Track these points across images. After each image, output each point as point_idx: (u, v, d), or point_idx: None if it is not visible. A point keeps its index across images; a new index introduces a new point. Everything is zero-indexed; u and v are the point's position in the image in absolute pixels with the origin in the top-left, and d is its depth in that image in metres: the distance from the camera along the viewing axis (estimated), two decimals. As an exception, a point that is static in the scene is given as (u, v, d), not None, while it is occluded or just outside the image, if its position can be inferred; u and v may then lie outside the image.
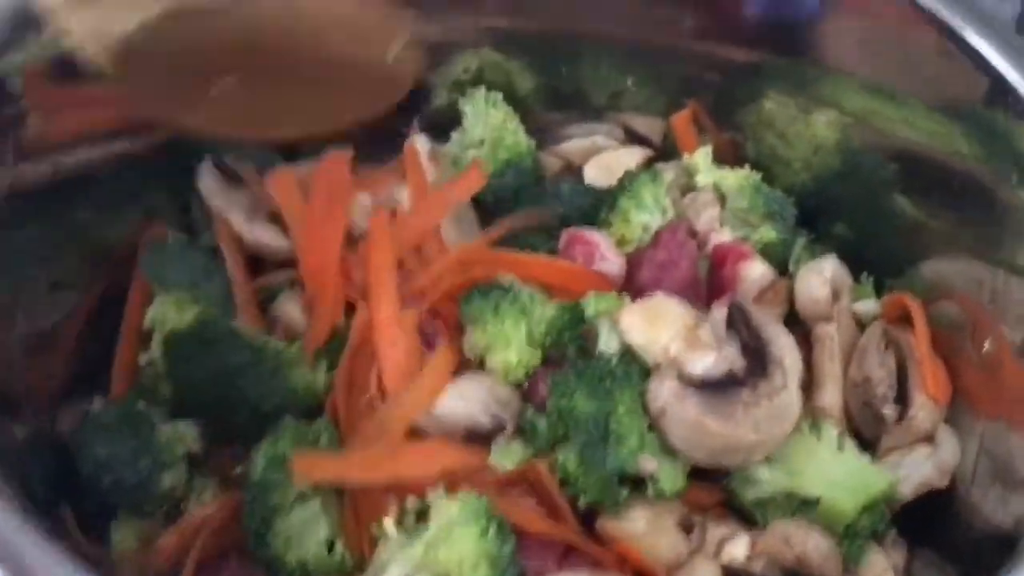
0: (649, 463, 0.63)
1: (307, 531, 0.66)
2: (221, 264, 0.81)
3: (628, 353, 0.68)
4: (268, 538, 0.65)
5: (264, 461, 0.66)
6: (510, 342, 0.69)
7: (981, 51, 0.69)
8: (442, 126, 0.92)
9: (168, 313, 0.76)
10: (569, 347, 0.71)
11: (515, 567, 0.62)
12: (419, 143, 0.86)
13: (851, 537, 0.67)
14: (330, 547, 0.66)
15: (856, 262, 0.81)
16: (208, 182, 0.82)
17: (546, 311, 0.71)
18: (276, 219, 0.81)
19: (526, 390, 0.71)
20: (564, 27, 0.90)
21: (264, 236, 0.81)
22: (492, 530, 0.61)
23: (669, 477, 0.64)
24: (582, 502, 0.66)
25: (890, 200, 0.81)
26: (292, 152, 0.85)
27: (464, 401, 0.67)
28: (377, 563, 0.64)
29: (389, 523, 0.64)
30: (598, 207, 0.85)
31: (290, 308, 0.77)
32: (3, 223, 0.70)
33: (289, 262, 0.80)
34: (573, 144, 0.94)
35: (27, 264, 0.73)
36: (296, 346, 0.74)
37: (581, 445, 0.64)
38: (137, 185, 0.81)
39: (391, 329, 0.71)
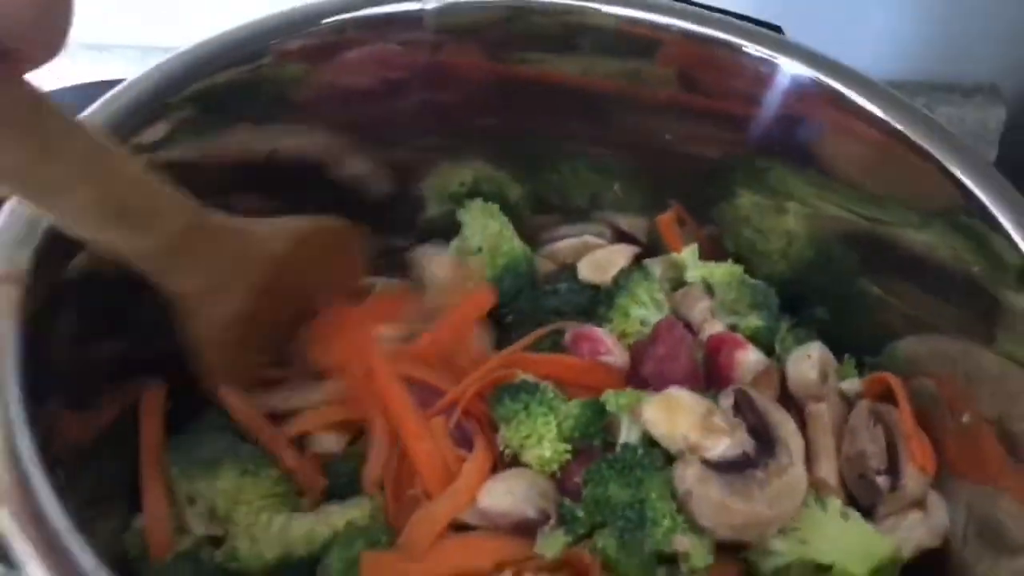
0: (683, 542, 0.70)
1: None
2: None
3: (647, 441, 0.75)
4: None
5: (340, 563, 0.71)
6: (542, 439, 0.76)
7: (958, 177, 0.77)
8: (435, 234, 0.99)
9: (229, 493, 0.74)
10: (594, 439, 0.78)
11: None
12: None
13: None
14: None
15: (836, 342, 0.89)
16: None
17: (571, 408, 0.78)
18: None
19: (560, 480, 0.77)
20: (551, 138, 0.97)
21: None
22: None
23: (699, 554, 0.71)
24: (625, 583, 0.71)
25: (861, 285, 0.89)
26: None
27: (512, 496, 0.74)
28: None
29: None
30: (594, 303, 0.93)
31: (326, 441, 0.81)
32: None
33: None
34: (564, 244, 1.01)
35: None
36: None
37: (620, 530, 0.70)
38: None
39: (421, 443, 0.77)
